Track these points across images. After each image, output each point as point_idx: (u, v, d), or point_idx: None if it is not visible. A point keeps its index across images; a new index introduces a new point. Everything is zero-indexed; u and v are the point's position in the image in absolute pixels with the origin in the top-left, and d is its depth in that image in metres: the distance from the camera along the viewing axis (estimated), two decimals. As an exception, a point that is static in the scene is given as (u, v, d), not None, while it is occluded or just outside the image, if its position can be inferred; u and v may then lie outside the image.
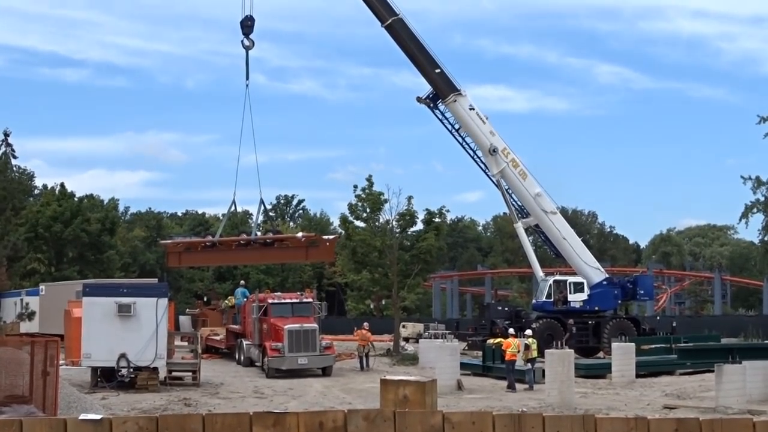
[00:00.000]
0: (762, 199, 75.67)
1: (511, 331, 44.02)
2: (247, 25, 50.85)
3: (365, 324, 52.73)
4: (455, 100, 56.80)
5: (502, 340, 48.13)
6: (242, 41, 51.22)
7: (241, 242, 52.11)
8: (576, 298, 57.82)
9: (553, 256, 63.45)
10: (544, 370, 37.70)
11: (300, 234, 56.36)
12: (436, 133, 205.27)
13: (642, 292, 61.93)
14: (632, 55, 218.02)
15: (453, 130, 58.22)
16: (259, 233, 55.00)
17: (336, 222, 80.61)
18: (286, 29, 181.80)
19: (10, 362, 26.89)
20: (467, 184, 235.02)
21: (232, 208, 54.98)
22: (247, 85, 50.89)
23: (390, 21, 55.73)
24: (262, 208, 56.78)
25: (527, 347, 39.91)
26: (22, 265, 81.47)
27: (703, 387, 38.56)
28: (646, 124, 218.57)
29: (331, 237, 53.87)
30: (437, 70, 56.92)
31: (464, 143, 58.52)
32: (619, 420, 5.94)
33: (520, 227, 59.25)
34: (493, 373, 44.79)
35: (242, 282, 71.06)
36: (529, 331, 43.15)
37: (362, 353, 49.43)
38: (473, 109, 57.38)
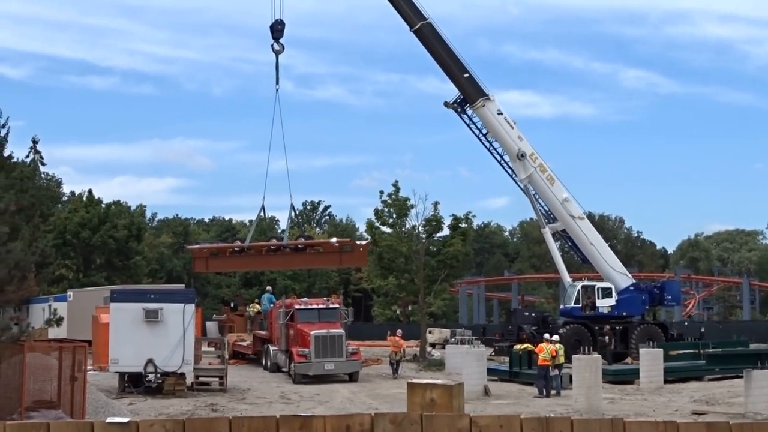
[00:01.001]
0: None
1: (546, 336, 43.72)
2: (278, 29, 50.52)
3: (398, 330, 52.56)
4: (483, 105, 56.56)
5: (530, 345, 48.09)
6: (272, 45, 50.88)
7: (272, 247, 51.94)
8: (604, 304, 57.56)
9: (579, 262, 63.18)
10: (571, 376, 37.57)
11: (334, 239, 56.16)
12: (461, 138, 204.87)
13: (669, 297, 61.68)
14: (659, 60, 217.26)
15: (480, 135, 57.99)
16: (284, 238, 54.81)
17: (362, 228, 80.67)
18: (312, 36, 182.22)
19: (38, 367, 26.97)
20: (493, 190, 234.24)
21: (261, 214, 54.82)
22: (277, 90, 50.57)
23: (419, 25, 55.51)
24: (293, 213, 56.70)
25: (556, 353, 39.70)
26: (50, 272, 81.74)
27: (732, 393, 38.28)
28: (673, 129, 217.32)
29: (364, 242, 53.56)
30: (465, 75, 56.68)
31: (491, 148, 58.31)
32: (648, 424, 5.89)
33: (547, 232, 58.99)
34: (520, 379, 44.68)
35: (269, 288, 71.00)
36: (556, 337, 42.91)
37: (394, 359, 49.17)
38: (501, 113, 57.17)
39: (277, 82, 51.07)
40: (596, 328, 56.33)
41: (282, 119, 49.42)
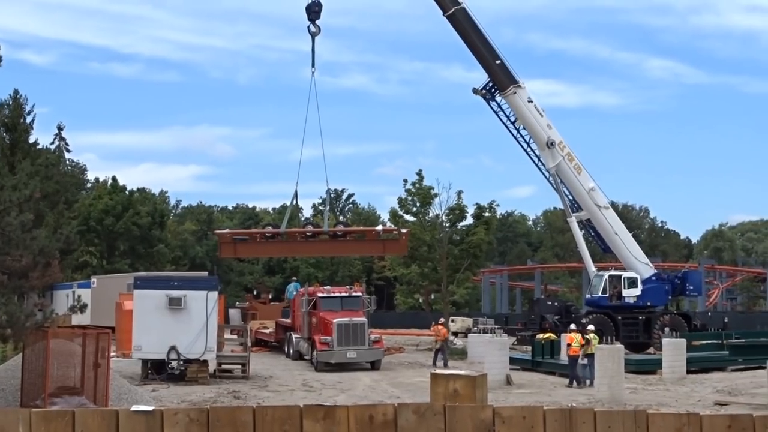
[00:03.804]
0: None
1: (572, 326, 43.57)
2: (314, 10, 50.12)
3: (441, 319, 52.39)
4: (515, 92, 56.09)
5: (552, 334, 48.01)
6: (308, 27, 50.54)
7: (308, 234, 51.69)
8: (630, 294, 57.36)
9: (602, 251, 62.96)
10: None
11: (380, 227, 55.86)
12: (485, 127, 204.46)
13: (691, 287, 61.39)
14: (684, 50, 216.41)
15: (509, 123, 57.50)
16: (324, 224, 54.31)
17: (385, 216, 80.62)
18: (338, 24, 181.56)
19: (62, 354, 27.14)
20: (517, 179, 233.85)
21: (295, 201, 54.58)
22: (313, 73, 50.40)
23: (453, 10, 55.11)
24: (329, 199, 56.44)
25: (588, 342, 39.37)
26: (74, 258, 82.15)
27: (755, 383, 38.15)
28: (698, 119, 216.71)
29: (405, 230, 53.16)
30: (497, 61, 56.18)
31: (519, 136, 57.93)
32: (671, 416, 5.88)
33: (573, 222, 58.71)
34: (542, 368, 44.67)
35: (294, 278, 71.12)
36: (591, 326, 42.64)
37: (436, 348, 48.78)
38: (531, 101, 56.79)
39: (313, 65, 50.81)
40: (619, 318, 56.20)
41: (317, 103, 49.26)
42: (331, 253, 77.04)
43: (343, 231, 51.51)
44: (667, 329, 51.74)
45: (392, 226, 60.23)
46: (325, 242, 51.71)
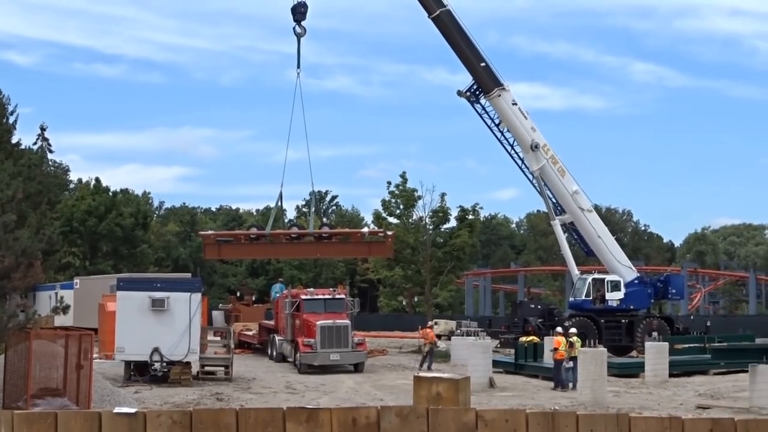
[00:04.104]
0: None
1: (559, 329, 43.67)
2: (300, 11, 50.11)
3: (429, 322, 52.47)
4: (499, 95, 56.09)
5: (535, 337, 48.07)
6: (294, 28, 50.53)
7: (293, 236, 51.62)
8: (613, 297, 57.44)
9: (584, 254, 63.07)
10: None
11: (366, 229, 55.81)
12: (469, 130, 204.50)
13: (674, 291, 61.51)
14: (668, 54, 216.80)
15: (493, 126, 57.48)
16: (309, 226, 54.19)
17: (369, 218, 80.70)
18: (321, 26, 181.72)
19: (44, 355, 27.05)
20: (500, 182, 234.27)
21: (279, 203, 54.46)
22: (298, 74, 50.40)
23: (438, 12, 55.11)
24: (313, 202, 56.43)
25: (571, 345, 39.40)
26: (56, 259, 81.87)
27: (737, 387, 38.29)
28: (682, 122, 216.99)
29: (391, 233, 53.11)
30: (482, 64, 56.18)
31: (503, 139, 57.93)
32: (654, 420, 5.91)
33: (557, 224, 58.77)
34: (525, 371, 44.73)
35: (280, 279, 70.98)
36: (573, 330, 42.73)
37: (424, 351, 48.77)
38: (516, 104, 56.81)
39: (299, 66, 50.81)
40: (602, 321, 56.29)
41: (302, 104, 49.24)
42: (316, 255, 76.74)
43: (328, 233, 51.41)
44: (655, 333, 51.86)
45: (376, 228, 60.22)
46: (311, 244, 51.62)
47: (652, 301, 61.13)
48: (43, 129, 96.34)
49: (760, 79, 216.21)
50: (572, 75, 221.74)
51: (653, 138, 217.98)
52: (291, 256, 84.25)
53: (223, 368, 40.95)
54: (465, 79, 57.46)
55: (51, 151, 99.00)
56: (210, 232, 59.88)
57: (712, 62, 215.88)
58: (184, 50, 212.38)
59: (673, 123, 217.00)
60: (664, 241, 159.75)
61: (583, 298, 57.92)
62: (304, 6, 50.06)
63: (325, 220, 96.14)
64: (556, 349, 39.99)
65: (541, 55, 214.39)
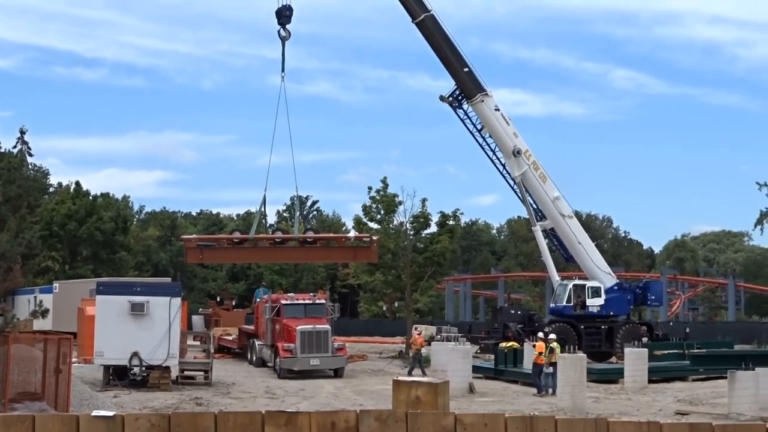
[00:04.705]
0: (777, 205, 75.43)
1: (540, 335, 43.75)
2: (285, 15, 49.96)
3: (418, 328, 52.54)
4: (482, 101, 56.14)
5: (515, 343, 48.11)
6: (278, 31, 50.41)
7: (276, 240, 51.43)
8: (594, 303, 57.56)
9: (564, 260, 63.19)
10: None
11: (352, 234, 55.66)
12: (449, 135, 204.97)
13: (653, 297, 61.72)
14: (648, 61, 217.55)
15: (475, 131, 57.52)
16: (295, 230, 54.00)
17: (350, 223, 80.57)
18: (303, 31, 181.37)
19: (23, 359, 26.93)
20: (481, 188, 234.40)
21: (262, 207, 54.21)
22: (283, 78, 50.28)
23: (422, 17, 55.11)
24: (298, 206, 56.28)
25: (551, 351, 39.43)
26: (36, 263, 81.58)
27: (716, 393, 38.41)
28: (662, 129, 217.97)
29: (376, 237, 53.02)
30: (465, 69, 56.22)
31: (485, 144, 57.96)
32: (632, 424, 5.92)
33: (538, 230, 58.91)
34: (505, 377, 44.76)
35: (263, 283, 70.79)
36: (553, 335, 42.77)
37: (411, 356, 48.58)
38: (498, 110, 56.86)
39: (283, 70, 50.68)
40: (582, 327, 56.39)
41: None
42: (301, 260, 76.58)
43: (313, 237, 51.26)
44: (645, 339, 51.95)
45: (358, 233, 60.16)
46: (295, 249, 51.42)
47: (632, 307, 61.32)
48: (23, 132, 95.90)
49: (740, 87, 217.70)
50: (553, 81, 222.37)
51: (633, 145, 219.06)
52: (275, 261, 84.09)
53: (202, 373, 40.87)
54: (446, 85, 57.62)
55: (31, 155, 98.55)
56: (192, 236, 59.54)
57: (693, 69, 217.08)
58: (165, 54, 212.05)
59: (654, 130, 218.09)
60: (644, 247, 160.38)
61: (564, 303, 58.04)
62: (289, 9, 49.92)
63: (307, 225, 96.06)
64: (540, 354, 40.10)
65: (522, 62, 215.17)
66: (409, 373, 44.33)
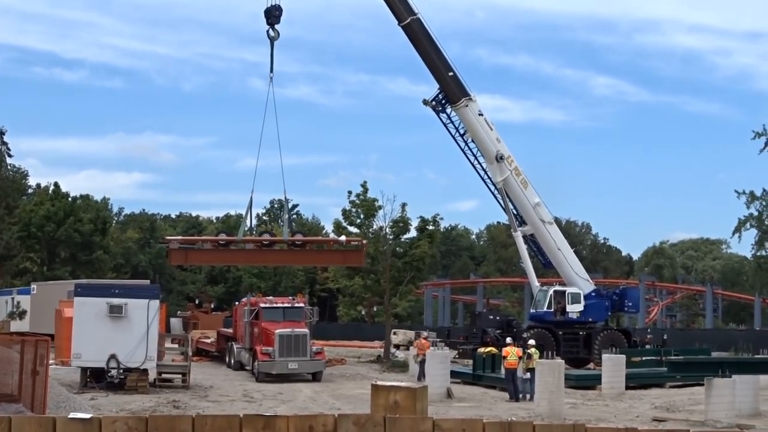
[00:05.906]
0: (755, 213, 75.89)
1: (509, 339, 43.84)
2: (275, 15, 49.89)
3: (423, 333, 52.57)
4: (466, 105, 56.13)
5: (494, 349, 48.09)
6: (267, 31, 50.31)
7: (264, 243, 51.22)
8: (573, 309, 57.67)
9: (542, 266, 63.26)
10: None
11: (342, 237, 55.65)
12: (429, 140, 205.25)
13: (630, 304, 61.89)
14: (628, 68, 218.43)
15: (457, 136, 57.54)
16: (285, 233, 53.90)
17: (329, 227, 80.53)
18: (283, 34, 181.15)
19: (-1, 361, 26.82)
20: (461, 193, 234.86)
21: (249, 210, 54.07)
22: (271, 78, 50.17)
23: (409, 20, 55.12)
24: (286, 208, 56.21)
25: (529, 356, 39.43)
26: (14, 264, 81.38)
27: (693, 400, 38.52)
28: (641, 136, 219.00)
29: (365, 241, 53.00)
30: (450, 73, 56.28)
31: (467, 149, 57.96)
32: (609, 430, 5.93)
33: (518, 236, 58.98)
34: (483, 382, 44.76)
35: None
36: (532, 341, 42.80)
37: (417, 361, 48.53)
38: (482, 115, 56.89)
39: (272, 70, 50.62)
40: (560, 333, 56.50)
41: (275, 109, 49.06)
42: (289, 263, 76.32)
43: (302, 240, 51.08)
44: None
45: (337, 237, 60.15)
46: (283, 252, 51.26)
47: (609, 313, 61.50)
48: (2, 133, 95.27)
49: (719, 95, 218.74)
50: (533, 88, 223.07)
51: (613, 152, 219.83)
52: (262, 264, 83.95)
53: (180, 376, 40.73)
54: (427, 90, 57.68)
55: (10, 156, 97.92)
56: (176, 237, 59.39)
57: (672, 77, 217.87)
58: (145, 56, 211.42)
59: (633, 137, 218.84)
60: (623, 254, 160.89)
61: (545, 309, 58.14)
62: (279, 9, 49.89)
63: (287, 229, 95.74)
64: (504, 358, 40.20)
65: (503, 68, 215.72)
66: (419, 379, 44.14)
